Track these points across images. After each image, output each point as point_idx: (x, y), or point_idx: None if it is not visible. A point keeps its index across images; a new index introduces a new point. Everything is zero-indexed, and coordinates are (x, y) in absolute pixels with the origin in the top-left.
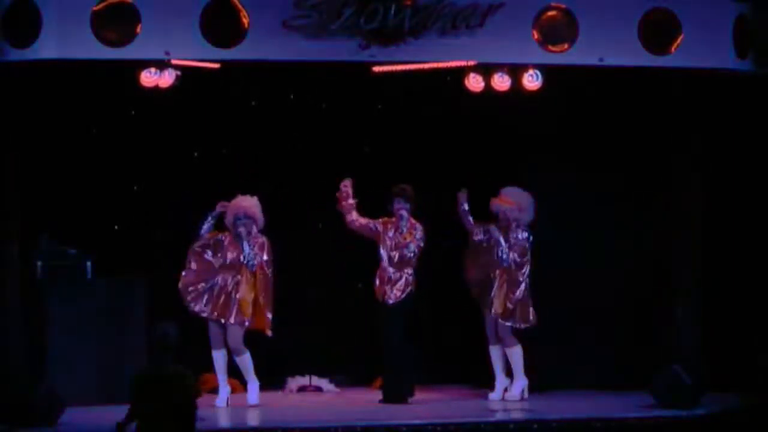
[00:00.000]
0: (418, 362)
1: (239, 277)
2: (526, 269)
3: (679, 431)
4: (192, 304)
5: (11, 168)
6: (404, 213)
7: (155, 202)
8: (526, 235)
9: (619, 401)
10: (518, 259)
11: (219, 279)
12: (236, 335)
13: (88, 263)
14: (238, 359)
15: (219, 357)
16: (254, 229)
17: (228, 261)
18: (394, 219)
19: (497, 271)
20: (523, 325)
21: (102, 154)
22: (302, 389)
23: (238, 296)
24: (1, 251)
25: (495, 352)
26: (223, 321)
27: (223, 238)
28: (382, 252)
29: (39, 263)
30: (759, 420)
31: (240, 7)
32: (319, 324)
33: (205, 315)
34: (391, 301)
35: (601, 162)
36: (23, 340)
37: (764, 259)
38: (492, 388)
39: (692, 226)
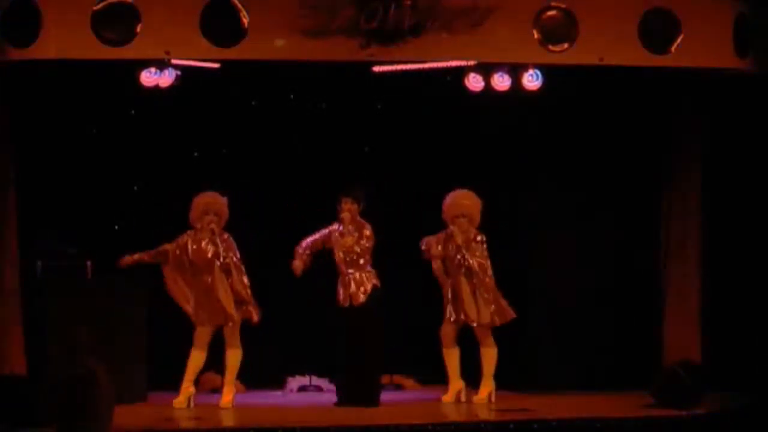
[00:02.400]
0: (388, 362)
1: (213, 275)
2: (489, 269)
3: (679, 431)
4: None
5: (11, 167)
6: (346, 216)
7: (155, 202)
8: (481, 237)
9: (619, 401)
10: (482, 262)
11: (199, 281)
12: (235, 333)
13: (88, 263)
14: (230, 353)
15: (198, 358)
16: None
17: (198, 261)
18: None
19: (461, 279)
20: (504, 321)
21: (102, 154)
22: (302, 389)
23: (220, 296)
24: (1, 251)
25: (452, 355)
26: (220, 324)
27: (186, 239)
28: (338, 256)
29: (39, 263)
30: (759, 420)
31: (240, 7)
32: (319, 324)
33: (200, 321)
34: (357, 303)
35: (601, 161)
36: (23, 340)
37: (765, 259)
38: (444, 391)
39: (692, 225)
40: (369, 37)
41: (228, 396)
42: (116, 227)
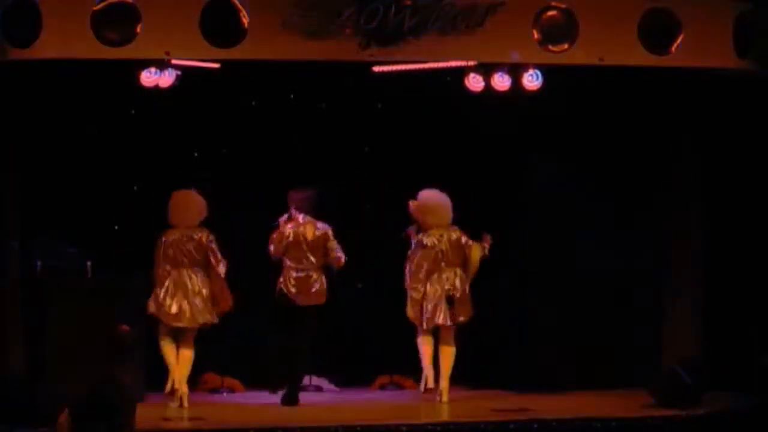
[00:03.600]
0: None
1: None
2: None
3: (679, 431)
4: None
5: (11, 167)
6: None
7: (155, 202)
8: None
9: (619, 401)
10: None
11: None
12: None
13: (88, 263)
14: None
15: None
16: None
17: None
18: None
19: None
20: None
21: (102, 153)
22: (302, 389)
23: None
24: (2, 250)
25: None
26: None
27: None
28: None
29: (39, 263)
30: (759, 420)
31: (240, 7)
32: (319, 324)
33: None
34: None
35: (600, 162)
36: (23, 340)
37: (764, 259)
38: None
39: (692, 225)
40: (369, 37)
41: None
42: (116, 227)
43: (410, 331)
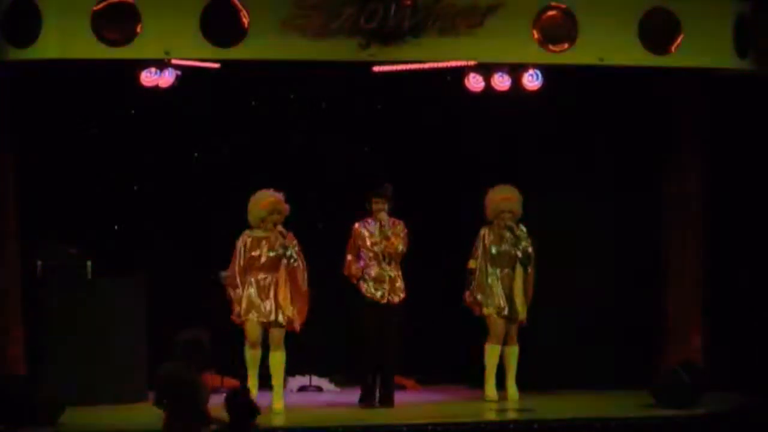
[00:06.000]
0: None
1: (276, 275)
2: None
3: (679, 431)
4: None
5: (12, 167)
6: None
7: (155, 202)
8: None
9: (619, 401)
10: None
11: (254, 281)
12: (282, 334)
13: (88, 263)
14: (277, 355)
15: (256, 356)
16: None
17: (263, 260)
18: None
19: (513, 272)
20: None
21: (102, 154)
22: (302, 389)
23: (280, 296)
24: (1, 250)
25: (496, 352)
26: (271, 322)
27: (246, 239)
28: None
29: (39, 263)
30: (759, 420)
31: (240, 7)
32: (319, 324)
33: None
34: (397, 301)
35: (600, 161)
36: (23, 340)
37: (765, 258)
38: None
39: (693, 225)
40: (369, 37)
41: (279, 402)
42: (116, 227)
43: (410, 332)
